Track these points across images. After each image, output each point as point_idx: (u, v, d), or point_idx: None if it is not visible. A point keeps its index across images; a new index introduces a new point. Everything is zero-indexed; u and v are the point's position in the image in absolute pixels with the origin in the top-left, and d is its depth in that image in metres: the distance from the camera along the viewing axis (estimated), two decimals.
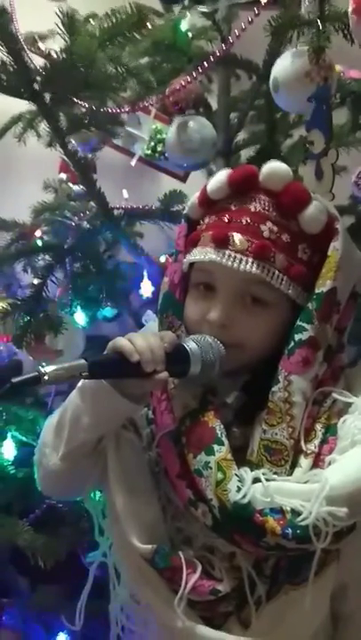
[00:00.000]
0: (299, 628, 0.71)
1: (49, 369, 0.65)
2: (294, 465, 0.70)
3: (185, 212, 0.81)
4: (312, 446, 0.70)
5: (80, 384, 0.74)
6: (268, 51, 1.09)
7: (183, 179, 1.36)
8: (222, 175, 0.75)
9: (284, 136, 1.32)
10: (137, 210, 1.24)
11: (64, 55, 0.96)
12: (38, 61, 1.09)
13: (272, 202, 0.73)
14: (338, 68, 1.11)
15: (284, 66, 0.97)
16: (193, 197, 0.79)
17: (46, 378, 0.64)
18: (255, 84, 1.20)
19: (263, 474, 0.68)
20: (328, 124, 0.81)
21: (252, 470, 0.69)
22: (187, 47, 1.17)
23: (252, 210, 0.73)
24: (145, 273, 1.36)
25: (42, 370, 0.65)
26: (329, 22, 0.90)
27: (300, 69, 0.94)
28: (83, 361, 0.67)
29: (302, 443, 0.70)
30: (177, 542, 0.74)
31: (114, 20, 0.93)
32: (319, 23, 0.89)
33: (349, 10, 0.78)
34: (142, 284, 1.37)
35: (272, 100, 1.01)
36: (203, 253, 0.73)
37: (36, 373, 0.65)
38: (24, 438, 1.28)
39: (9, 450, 1.29)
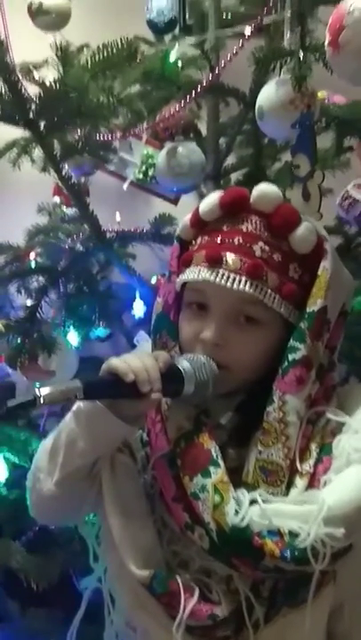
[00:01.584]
0: None
1: (44, 391, 0.65)
2: (290, 485, 0.70)
3: (177, 233, 0.81)
4: (307, 466, 0.70)
5: (74, 408, 0.73)
6: (253, 79, 1.13)
7: (174, 202, 1.39)
8: (214, 197, 0.76)
9: (272, 160, 1.35)
10: (129, 232, 1.26)
11: (58, 85, 1.00)
12: (33, 90, 1.13)
13: (263, 223, 0.74)
14: (322, 93, 1.15)
15: (269, 94, 1.01)
16: (185, 219, 0.80)
17: (42, 400, 0.64)
18: (242, 111, 1.24)
19: (260, 495, 0.68)
20: (313, 148, 0.84)
21: (248, 492, 0.69)
22: (176, 76, 1.21)
23: (244, 230, 0.74)
24: (137, 293, 1.39)
25: (37, 392, 0.65)
26: (310, 52, 0.94)
27: (284, 97, 0.98)
28: (78, 382, 0.67)
29: (297, 463, 0.70)
30: (173, 566, 0.73)
31: (105, 54, 0.97)
32: (301, 54, 0.93)
33: (326, 42, 0.82)
34: (134, 305, 1.39)
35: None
36: (196, 273, 0.73)
37: (32, 396, 0.64)
38: (16, 460, 1.27)
39: (0, 471, 1.29)
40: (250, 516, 0.66)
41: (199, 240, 0.77)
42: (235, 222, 0.74)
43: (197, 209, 0.78)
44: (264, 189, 0.75)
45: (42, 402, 0.64)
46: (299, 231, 0.74)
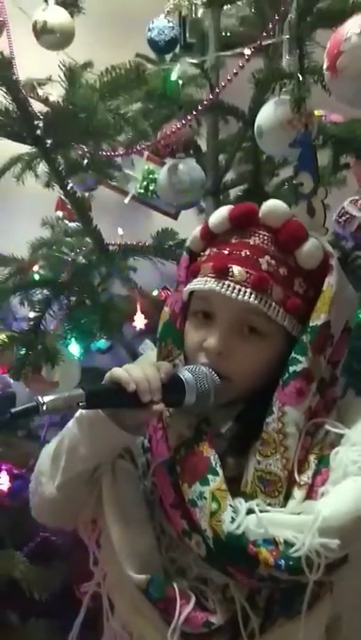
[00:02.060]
0: None
1: (47, 398, 0.66)
2: (288, 496, 0.71)
3: (187, 244, 0.83)
4: (305, 477, 0.71)
5: (78, 414, 0.75)
6: (252, 99, 1.16)
7: (175, 216, 1.42)
8: (224, 210, 0.79)
9: (270, 176, 1.38)
10: (131, 246, 1.29)
11: (65, 104, 1.02)
12: (37, 106, 1.16)
13: (271, 237, 0.76)
14: (319, 112, 1.18)
15: (268, 114, 1.04)
16: (195, 231, 0.82)
17: (45, 408, 0.66)
18: (242, 129, 1.27)
19: (257, 505, 0.69)
20: (315, 166, 0.86)
21: (246, 501, 0.69)
22: (177, 95, 1.24)
23: (252, 243, 0.76)
24: (138, 306, 1.40)
25: (40, 400, 0.66)
26: (308, 75, 0.97)
27: (282, 117, 1.01)
28: (80, 390, 0.68)
29: (296, 474, 0.71)
30: (171, 573, 0.74)
31: (113, 74, 1.00)
32: (299, 76, 0.95)
33: (324, 66, 0.85)
34: (135, 317, 1.41)
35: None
36: (203, 282, 0.75)
37: (35, 403, 0.66)
38: (18, 470, 1.28)
39: (3, 482, 1.30)
40: (246, 524, 0.67)
41: (208, 252, 0.79)
42: (243, 236, 0.76)
43: (207, 221, 0.80)
44: (273, 205, 0.77)
45: (45, 409, 0.66)
46: (305, 247, 0.76)
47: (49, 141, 1.09)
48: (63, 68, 1.00)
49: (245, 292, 0.73)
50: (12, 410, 0.65)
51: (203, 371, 0.73)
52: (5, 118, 1.01)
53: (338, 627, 0.76)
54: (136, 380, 0.70)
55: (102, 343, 1.46)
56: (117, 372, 0.71)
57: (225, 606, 0.71)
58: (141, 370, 0.71)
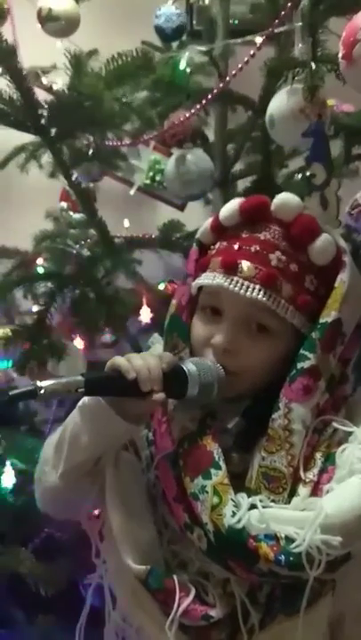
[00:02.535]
0: None
1: (45, 383, 0.65)
2: (293, 493, 0.69)
3: (197, 236, 0.81)
4: (311, 475, 0.70)
5: (80, 403, 0.74)
6: (263, 88, 1.13)
7: (181, 208, 1.40)
8: (235, 203, 0.76)
9: (280, 167, 1.36)
10: (137, 238, 1.27)
11: (70, 92, 1.00)
12: (41, 95, 1.13)
13: (282, 232, 0.74)
14: (331, 102, 1.16)
15: (280, 103, 1.01)
16: (206, 223, 0.80)
17: (42, 392, 0.65)
18: (251, 118, 1.24)
19: (260, 500, 0.68)
20: (328, 157, 0.84)
21: (249, 497, 0.69)
22: (185, 84, 1.21)
23: (262, 238, 0.74)
24: (143, 299, 1.39)
25: (38, 384, 0.65)
26: (322, 63, 0.95)
27: (294, 107, 0.98)
28: (80, 377, 0.68)
29: (301, 471, 0.70)
30: (172, 566, 0.74)
31: (119, 62, 0.97)
32: (312, 64, 0.93)
33: (340, 55, 0.82)
34: (141, 311, 1.40)
35: (267, 132, 1.05)
36: (211, 278, 0.74)
37: (33, 387, 0.65)
38: (23, 466, 1.27)
39: (8, 478, 1.29)
40: (248, 519, 0.67)
41: (218, 245, 0.77)
42: (254, 230, 0.75)
43: (218, 214, 0.78)
44: (285, 198, 0.75)
45: (42, 393, 0.65)
46: (318, 242, 0.74)
47: (53, 130, 1.07)
48: (68, 56, 0.97)
49: (254, 288, 0.71)
50: (11, 392, 0.65)
51: (207, 363, 0.72)
52: (9, 107, 0.99)
53: (341, 626, 0.75)
54: (137, 368, 0.68)
55: (107, 337, 1.44)
56: (118, 359, 0.70)
57: (225, 601, 0.70)
58: (142, 358, 0.70)
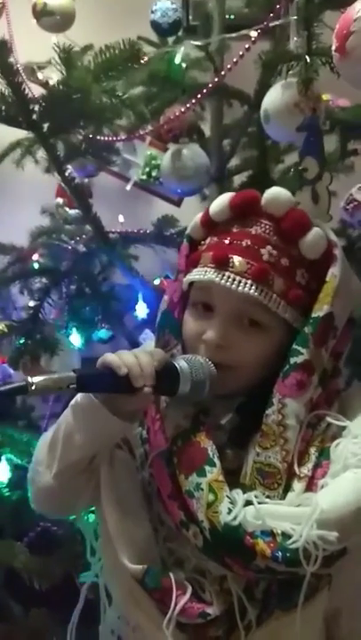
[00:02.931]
0: None
1: (36, 379, 0.65)
2: (288, 489, 0.70)
3: (187, 232, 0.81)
4: (305, 470, 0.70)
5: (72, 402, 0.74)
6: (258, 82, 1.13)
7: (177, 203, 1.39)
8: (225, 198, 0.76)
9: (276, 162, 1.35)
10: (132, 234, 1.26)
11: (61, 87, 0.99)
12: (37, 90, 1.13)
13: (273, 226, 0.74)
14: (326, 96, 1.15)
15: (275, 97, 1.01)
16: (196, 218, 0.80)
17: (33, 388, 0.65)
18: (247, 113, 1.24)
19: (255, 496, 0.68)
20: (320, 151, 0.83)
21: (244, 493, 0.69)
22: (181, 79, 1.21)
23: (253, 233, 0.74)
24: (139, 295, 1.39)
25: (29, 380, 0.65)
26: (316, 56, 0.94)
27: (289, 100, 0.98)
28: (71, 373, 0.67)
29: (296, 466, 0.70)
30: (169, 564, 0.74)
31: (107, 55, 0.97)
32: (307, 58, 0.92)
33: (333, 47, 0.82)
34: (137, 306, 1.39)
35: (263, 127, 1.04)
36: (202, 273, 0.74)
37: (24, 382, 0.65)
38: (18, 461, 1.28)
39: (3, 472, 1.29)
40: (243, 515, 0.67)
41: (208, 240, 0.77)
42: (244, 225, 0.74)
43: (208, 208, 0.78)
44: (275, 193, 0.75)
45: (33, 389, 0.65)
46: (309, 236, 0.74)
47: (45, 126, 1.06)
48: (58, 50, 0.96)
49: (246, 283, 0.71)
50: (1, 388, 0.65)
51: (199, 360, 0.72)
52: (1, 103, 0.99)
53: (337, 621, 0.76)
54: (128, 364, 0.68)
55: (104, 333, 1.44)
56: (109, 356, 0.70)
57: (222, 598, 0.70)
58: (134, 355, 0.69)
